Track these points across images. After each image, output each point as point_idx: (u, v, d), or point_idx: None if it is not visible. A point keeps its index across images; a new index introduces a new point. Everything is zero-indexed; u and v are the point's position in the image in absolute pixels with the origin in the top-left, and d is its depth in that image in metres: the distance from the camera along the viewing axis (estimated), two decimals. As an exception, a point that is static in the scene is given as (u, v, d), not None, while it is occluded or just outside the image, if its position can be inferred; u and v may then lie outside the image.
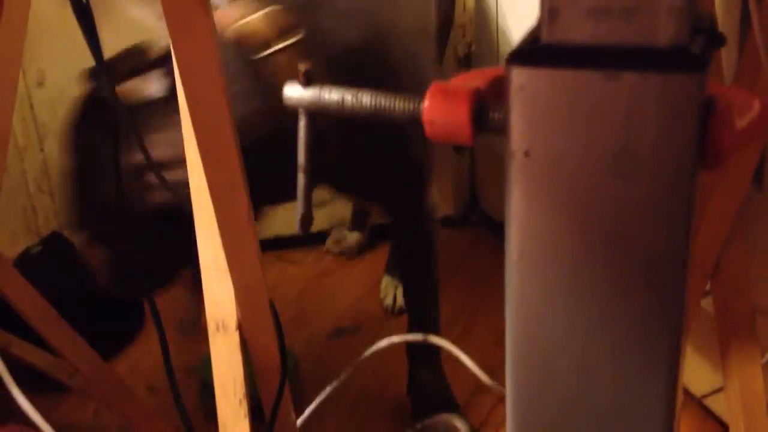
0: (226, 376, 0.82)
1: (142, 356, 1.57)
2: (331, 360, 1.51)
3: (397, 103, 0.53)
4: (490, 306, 1.64)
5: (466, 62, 1.76)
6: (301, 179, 0.61)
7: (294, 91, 0.56)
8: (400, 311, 1.62)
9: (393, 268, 1.68)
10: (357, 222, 1.87)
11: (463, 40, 1.74)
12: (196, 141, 0.66)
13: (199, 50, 0.59)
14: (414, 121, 0.53)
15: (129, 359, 1.56)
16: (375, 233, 1.86)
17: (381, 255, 1.78)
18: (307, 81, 0.56)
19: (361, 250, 1.86)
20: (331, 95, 0.54)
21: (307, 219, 0.61)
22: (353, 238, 1.86)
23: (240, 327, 0.82)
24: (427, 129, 0.52)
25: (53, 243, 1.66)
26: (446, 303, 1.63)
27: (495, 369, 1.19)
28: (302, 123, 0.57)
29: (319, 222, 1.88)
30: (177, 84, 0.69)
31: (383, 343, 1.09)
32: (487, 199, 1.92)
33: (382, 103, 0.53)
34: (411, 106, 0.53)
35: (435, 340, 1.15)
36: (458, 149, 1.78)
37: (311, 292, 1.73)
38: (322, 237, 1.87)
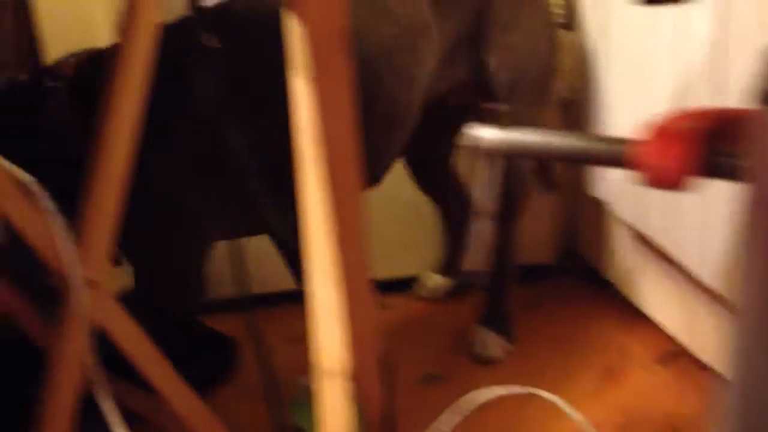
0: (334, 423, 0.80)
1: (235, 397, 1.57)
2: (422, 407, 1.48)
3: (603, 145, 0.51)
4: (587, 354, 1.59)
5: (567, 107, 1.74)
6: (483, 226, 0.57)
7: (485, 133, 0.53)
8: (489, 360, 1.59)
9: (484, 318, 1.65)
10: (445, 266, 1.85)
11: (564, 84, 1.73)
12: (322, 180, 0.65)
13: (337, 87, 0.58)
14: (621, 164, 0.49)
15: (219, 400, 1.57)
16: (465, 281, 1.84)
17: (471, 302, 1.75)
18: (499, 122, 0.53)
19: (451, 294, 1.83)
20: (530, 137, 0.52)
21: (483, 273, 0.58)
22: (440, 282, 1.84)
23: (348, 374, 0.81)
24: (642, 173, 0.48)
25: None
26: (542, 350, 1.60)
27: (595, 418, 1.14)
28: (488, 166, 0.54)
29: (408, 266, 1.87)
30: (297, 122, 0.68)
31: (485, 392, 1.06)
32: (585, 246, 1.88)
33: (587, 146, 0.51)
34: (618, 149, 0.50)
35: (539, 392, 1.11)
36: (548, 189, 1.75)
37: (401, 337, 1.71)
38: (409, 282, 1.86)
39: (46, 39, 1.54)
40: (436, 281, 1.85)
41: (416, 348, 1.67)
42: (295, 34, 0.63)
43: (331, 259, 0.72)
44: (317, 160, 0.69)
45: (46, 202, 0.77)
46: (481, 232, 0.58)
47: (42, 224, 0.84)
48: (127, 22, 0.88)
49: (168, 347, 1.13)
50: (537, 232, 1.87)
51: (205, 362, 1.60)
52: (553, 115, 1.72)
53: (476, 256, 0.59)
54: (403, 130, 1.28)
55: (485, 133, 0.54)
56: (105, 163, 0.94)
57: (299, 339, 1.70)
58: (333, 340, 0.80)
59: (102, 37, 1.50)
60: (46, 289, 1.43)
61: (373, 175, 1.30)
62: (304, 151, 0.71)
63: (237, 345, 1.64)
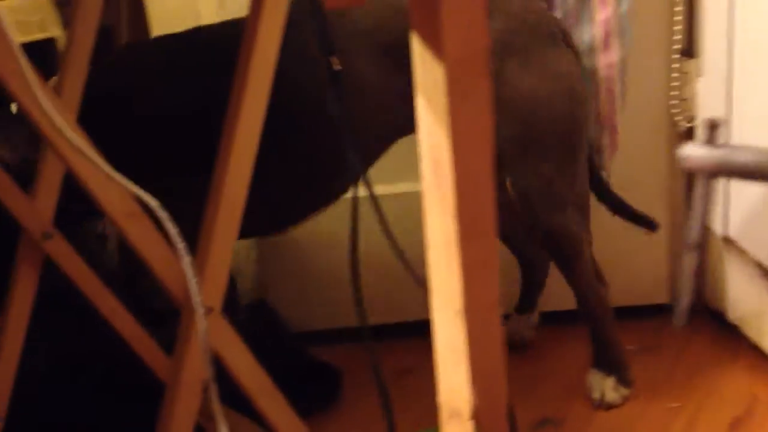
0: (458, 468, 0.76)
1: (339, 427, 1.55)
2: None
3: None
4: (712, 402, 1.49)
5: (689, 136, 1.66)
6: (691, 260, 0.52)
7: (695, 151, 0.48)
8: (608, 407, 1.51)
9: (596, 360, 1.57)
10: (525, 305, 1.77)
11: (685, 114, 1.66)
12: (456, 212, 0.62)
13: (477, 116, 0.55)
14: None
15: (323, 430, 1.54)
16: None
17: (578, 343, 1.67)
18: (712, 139, 0.48)
19: (532, 333, 1.76)
20: (746, 156, 0.47)
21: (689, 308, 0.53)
22: (522, 323, 1.76)
23: (474, 415, 0.76)
24: None
25: (258, 310, 1.69)
26: (662, 396, 1.51)
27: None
28: (701, 187, 0.49)
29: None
30: (427, 153, 0.65)
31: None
32: (707, 285, 1.77)
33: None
34: None
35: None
36: (648, 229, 1.65)
37: (515, 380, 1.65)
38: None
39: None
40: (518, 322, 1.77)
41: (532, 390, 1.60)
42: (426, 56, 0.59)
43: (459, 296, 0.68)
44: (449, 194, 0.65)
45: (170, 227, 0.77)
46: (689, 263, 0.53)
47: (164, 248, 0.84)
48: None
49: (273, 374, 1.12)
50: (652, 270, 1.78)
51: (310, 391, 1.59)
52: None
53: (685, 291, 0.54)
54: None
55: (693, 151, 0.49)
56: (227, 188, 0.93)
57: (407, 372, 1.69)
58: (459, 379, 0.75)
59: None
60: (158, 314, 1.45)
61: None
62: (434, 183, 0.68)
63: (341, 375, 1.62)
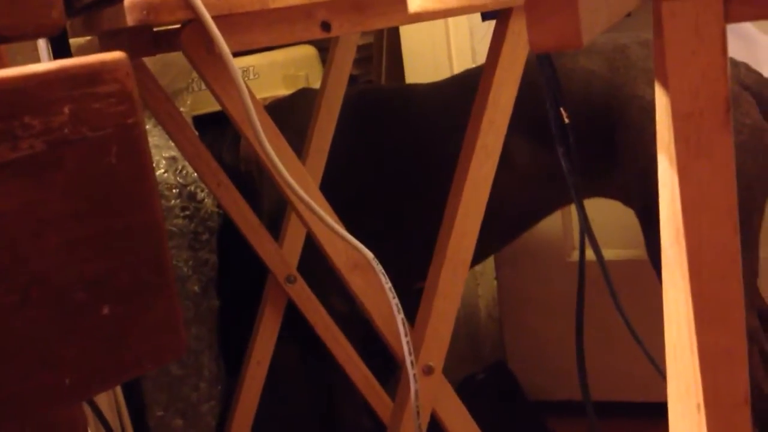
0: None
1: None
2: None
3: None
4: None
5: None
6: None
7: None
8: None
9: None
10: None
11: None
12: (691, 289, 0.53)
13: (713, 176, 0.47)
14: None
15: None
16: None
17: None
18: None
19: None
20: None
21: None
22: None
23: None
24: None
25: (497, 372, 1.63)
26: None
27: None
28: None
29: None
30: (668, 220, 0.57)
31: None
32: None
33: None
34: None
35: None
36: None
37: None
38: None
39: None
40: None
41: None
42: (664, 105, 0.52)
43: (699, 387, 0.59)
44: (686, 264, 0.57)
45: (384, 281, 0.75)
46: None
47: (382, 303, 0.82)
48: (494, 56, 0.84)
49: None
50: None
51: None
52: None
53: None
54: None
55: None
56: (455, 245, 0.90)
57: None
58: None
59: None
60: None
61: None
62: (676, 255, 0.59)
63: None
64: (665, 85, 0.49)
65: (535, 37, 0.40)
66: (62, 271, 0.43)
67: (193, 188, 1.35)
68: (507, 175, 1.17)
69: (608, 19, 0.56)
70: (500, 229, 1.30)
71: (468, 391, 1.53)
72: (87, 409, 0.89)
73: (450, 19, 1.56)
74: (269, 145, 0.75)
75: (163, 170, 1.33)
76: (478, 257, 1.34)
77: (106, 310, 0.44)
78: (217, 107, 0.98)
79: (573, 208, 1.43)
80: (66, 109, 0.43)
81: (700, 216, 0.50)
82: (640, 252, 1.44)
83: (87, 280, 0.44)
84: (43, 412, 0.43)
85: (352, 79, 1.51)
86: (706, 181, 0.47)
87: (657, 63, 0.52)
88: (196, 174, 1.29)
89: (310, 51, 1.68)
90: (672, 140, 0.52)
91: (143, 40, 0.92)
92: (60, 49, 0.83)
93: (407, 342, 0.76)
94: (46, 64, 0.43)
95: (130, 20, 0.74)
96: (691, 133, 0.46)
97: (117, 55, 0.45)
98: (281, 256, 1.26)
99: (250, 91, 0.77)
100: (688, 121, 0.46)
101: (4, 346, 0.40)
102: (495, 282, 1.69)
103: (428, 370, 0.90)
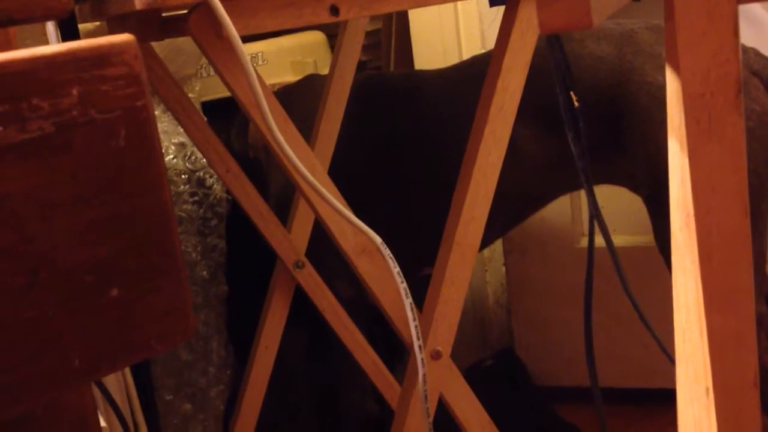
0: None
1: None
2: None
3: None
4: None
5: None
6: None
7: None
8: None
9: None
10: None
11: None
12: (701, 273, 0.53)
13: (723, 159, 0.46)
14: None
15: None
16: None
17: None
18: None
19: None
20: None
21: None
22: None
23: None
24: None
25: (505, 358, 1.63)
26: None
27: None
28: None
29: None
30: (678, 204, 0.56)
31: None
32: None
33: None
34: None
35: None
36: None
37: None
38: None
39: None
40: None
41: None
42: (674, 87, 0.51)
43: (708, 371, 0.58)
44: (696, 248, 0.56)
45: (392, 265, 0.75)
46: None
47: (390, 288, 0.82)
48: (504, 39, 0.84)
49: (511, 427, 1.06)
50: None
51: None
52: None
53: None
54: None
55: None
56: (463, 231, 0.90)
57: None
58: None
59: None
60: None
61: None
62: (685, 239, 0.59)
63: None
64: (676, 68, 0.49)
65: (545, 18, 0.40)
66: (70, 254, 0.43)
67: (202, 174, 1.35)
68: (513, 161, 1.17)
69: (618, 1, 0.55)
70: (505, 215, 1.30)
71: (476, 377, 1.54)
72: (97, 393, 0.90)
73: (459, 4, 1.56)
74: (278, 130, 0.75)
75: (172, 156, 1.33)
76: (482, 242, 1.34)
77: (114, 292, 0.44)
78: (225, 93, 0.98)
79: (582, 194, 1.43)
80: (74, 91, 0.43)
81: (710, 199, 0.49)
82: (648, 238, 1.43)
83: (95, 262, 0.44)
84: (53, 394, 0.43)
85: (361, 65, 1.51)
86: (717, 164, 0.47)
87: (668, 46, 0.51)
88: (204, 160, 1.29)
89: (318, 37, 1.67)
90: (683, 123, 0.52)
91: (152, 25, 0.92)
92: (69, 33, 0.83)
93: (415, 326, 0.76)
94: (55, 46, 0.43)
95: (139, 4, 0.74)
96: (701, 115, 0.45)
97: (125, 37, 0.45)
98: (289, 242, 1.26)
99: (259, 77, 0.76)
100: (698, 103, 0.45)
101: (12, 328, 0.40)
102: (503, 268, 1.69)
103: (436, 355, 0.90)
